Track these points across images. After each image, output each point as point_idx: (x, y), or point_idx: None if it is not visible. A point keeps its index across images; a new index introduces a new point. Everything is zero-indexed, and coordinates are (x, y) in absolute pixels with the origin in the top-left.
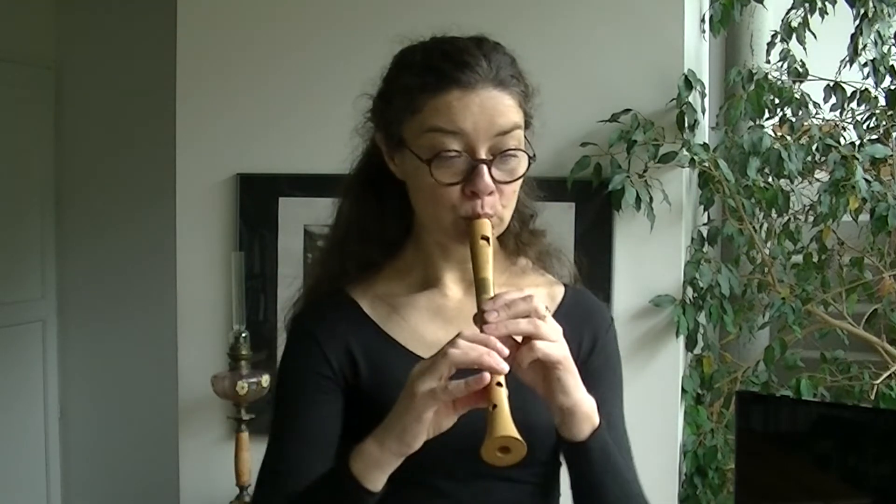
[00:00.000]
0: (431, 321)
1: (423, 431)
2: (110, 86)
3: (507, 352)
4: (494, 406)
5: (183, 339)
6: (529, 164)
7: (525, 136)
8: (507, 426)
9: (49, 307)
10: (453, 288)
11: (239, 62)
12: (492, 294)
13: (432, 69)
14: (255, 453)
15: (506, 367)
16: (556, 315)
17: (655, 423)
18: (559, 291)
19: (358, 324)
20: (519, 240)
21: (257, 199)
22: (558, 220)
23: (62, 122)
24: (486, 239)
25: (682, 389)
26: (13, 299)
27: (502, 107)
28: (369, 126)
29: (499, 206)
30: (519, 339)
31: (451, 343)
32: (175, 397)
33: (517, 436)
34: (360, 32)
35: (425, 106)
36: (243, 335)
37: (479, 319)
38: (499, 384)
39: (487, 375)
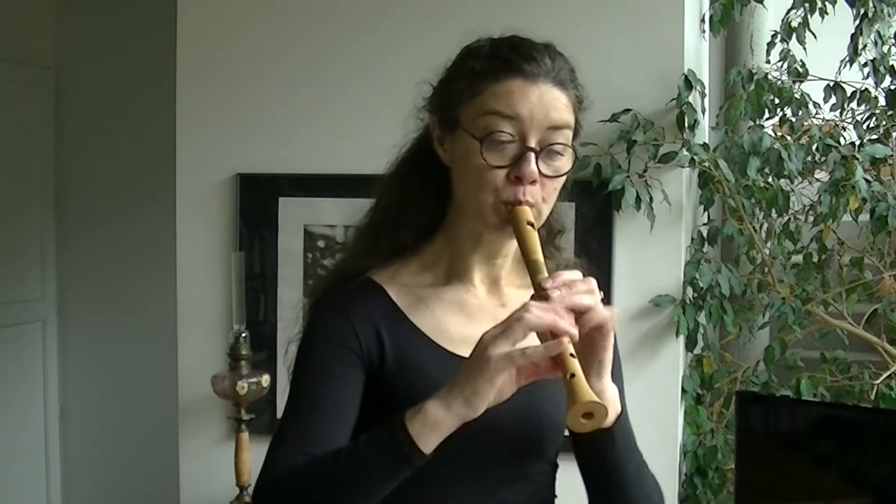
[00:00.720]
0: (455, 315)
1: (492, 395)
2: (110, 86)
3: (575, 331)
4: (573, 375)
5: (183, 339)
6: (573, 164)
7: (571, 145)
8: (588, 392)
9: (49, 307)
10: (479, 285)
11: (239, 62)
12: (545, 274)
13: (500, 57)
14: (255, 453)
15: (577, 332)
16: None
17: (655, 423)
18: None
19: (386, 308)
20: (544, 249)
21: (257, 199)
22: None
23: (62, 122)
24: (532, 224)
25: (682, 389)
26: (13, 299)
27: (558, 103)
28: (423, 114)
29: (539, 198)
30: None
31: (524, 309)
32: (175, 397)
33: (599, 400)
34: (361, 32)
35: (486, 89)
36: (243, 335)
37: (540, 297)
38: (571, 355)
39: (566, 340)
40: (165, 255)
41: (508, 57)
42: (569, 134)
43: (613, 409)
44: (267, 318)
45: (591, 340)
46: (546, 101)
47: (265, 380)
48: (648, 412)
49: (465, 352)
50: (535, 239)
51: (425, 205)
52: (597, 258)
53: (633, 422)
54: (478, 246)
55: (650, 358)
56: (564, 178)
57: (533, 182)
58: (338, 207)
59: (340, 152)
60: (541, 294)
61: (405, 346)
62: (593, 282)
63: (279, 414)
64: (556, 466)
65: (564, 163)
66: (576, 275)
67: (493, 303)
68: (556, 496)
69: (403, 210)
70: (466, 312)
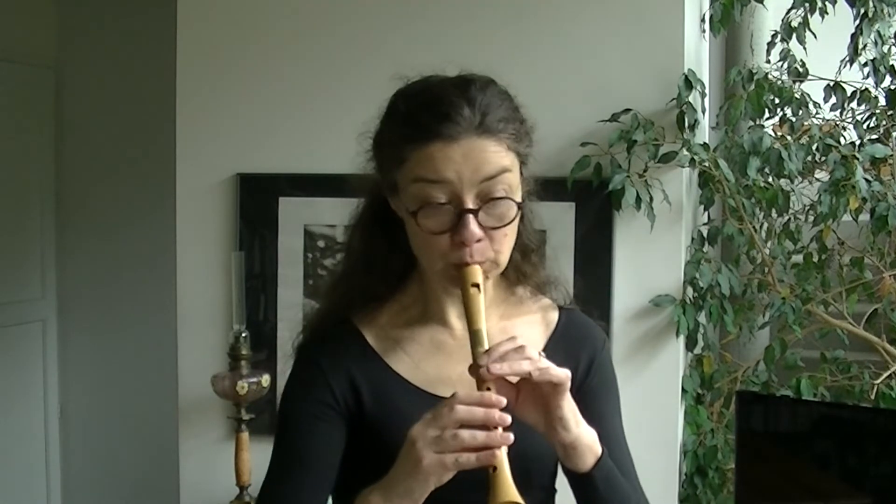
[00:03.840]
0: (433, 356)
1: (429, 490)
2: (110, 86)
3: (508, 419)
4: (495, 469)
5: (183, 339)
6: (519, 208)
7: (521, 172)
8: (508, 490)
9: (49, 307)
10: (455, 324)
11: (239, 62)
12: (486, 346)
13: (414, 121)
14: (255, 453)
15: (508, 421)
16: (551, 340)
17: (655, 423)
18: (553, 317)
19: (362, 355)
20: (519, 271)
21: (257, 199)
22: (558, 220)
23: (62, 122)
24: (477, 286)
25: (682, 389)
26: (13, 299)
27: (487, 154)
28: (370, 166)
29: (490, 251)
30: (514, 381)
31: (455, 399)
32: (175, 397)
33: (519, 499)
34: (361, 32)
35: (410, 157)
36: (243, 335)
37: (475, 372)
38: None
39: (497, 452)
40: (165, 255)
41: (422, 120)
42: (509, 178)
43: (592, 454)
44: (267, 318)
45: (545, 399)
46: (473, 157)
47: (265, 380)
48: (648, 412)
49: (444, 392)
50: (478, 305)
51: (394, 252)
52: (597, 258)
53: (633, 422)
54: (448, 290)
55: (650, 358)
56: (515, 222)
57: (479, 240)
58: (338, 207)
59: (341, 152)
60: (477, 371)
61: (382, 390)
62: (529, 350)
63: None
64: (552, 493)
65: (510, 208)
66: (512, 344)
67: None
68: None
69: (373, 261)
70: (445, 352)
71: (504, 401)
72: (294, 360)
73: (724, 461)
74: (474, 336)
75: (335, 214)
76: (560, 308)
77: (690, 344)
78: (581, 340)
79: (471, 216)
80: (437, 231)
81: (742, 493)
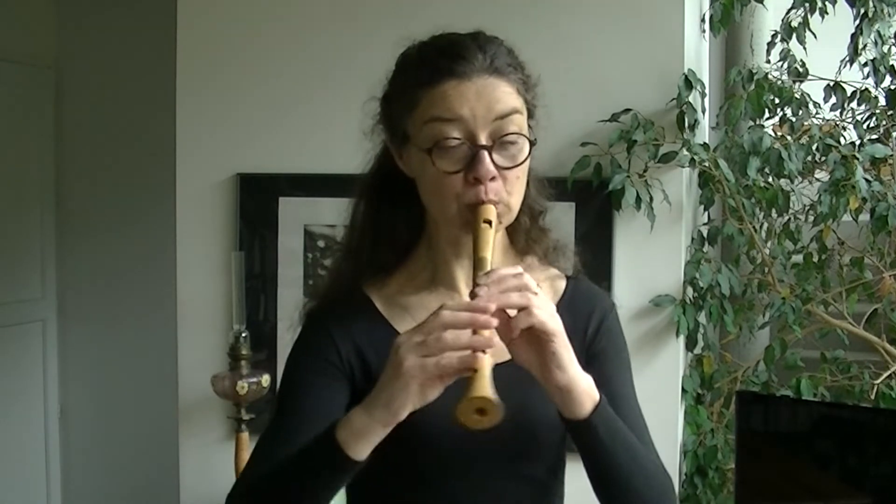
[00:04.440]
0: None
1: (410, 402)
2: (110, 86)
3: (495, 322)
4: (475, 370)
5: (183, 339)
6: (531, 149)
7: (529, 125)
8: (483, 387)
9: (49, 307)
10: (463, 289)
11: (239, 62)
12: (487, 270)
13: (428, 64)
14: None
15: (494, 322)
16: (559, 307)
17: (655, 423)
18: (561, 285)
19: (371, 321)
20: (529, 236)
21: (257, 199)
22: (558, 220)
23: (62, 122)
24: (489, 222)
25: (682, 389)
26: (13, 299)
27: (499, 93)
28: (379, 130)
29: (503, 192)
30: (512, 314)
31: (442, 306)
32: (175, 397)
33: (493, 396)
34: (361, 32)
35: (423, 98)
36: (243, 335)
37: (472, 295)
38: (482, 351)
39: (480, 354)
40: (165, 255)
41: (436, 61)
42: (519, 119)
43: (590, 399)
44: (267, 318)
45: (534, 336)
46: (486, 95)
47: (265, 380)
48: (648, 412)
49: None
50: (486, 237)
51: (399, 221)
52: (597, 258)
53: None
54: (458, 251)
55: (650, 358)
56: (527, 164)
57: (493, 179)
58: (338, 207)
59: (341, 152)
60: (473, 292)
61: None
62: (526, 277)
63: None
64: (561, 465)
65: (521, 150)
66: (512, 270)
67: None
68: (561, 496)
69: (379, 232)
70: None
71: (492, 307)
72: (302, 324)
73: (724, 461)
74: (478, 263)
75: (335, 214)
76: (567, 277)
77: (690, 344)
78: (588, 305)
79: (485, 152)
80: (452, 170)
81: (742, 493)
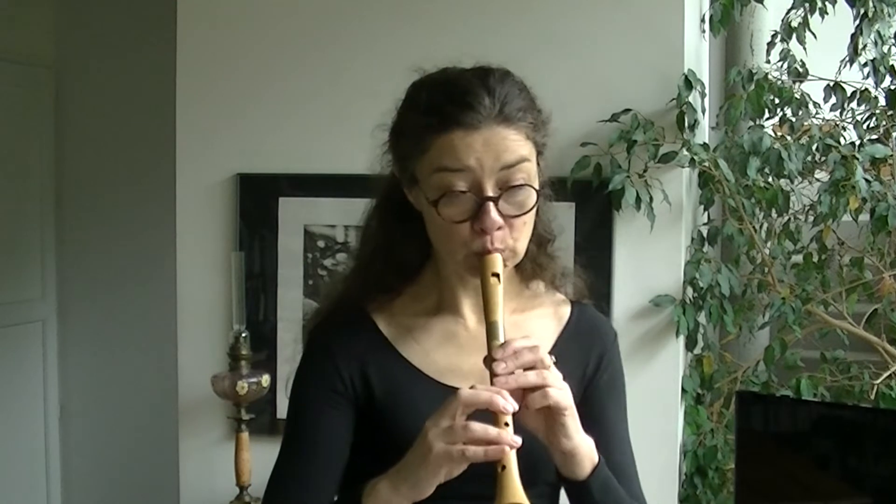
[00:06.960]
0: (445, 346)
1: (436, 482)
2: (110, 86)
3: (516, 406)
4: (503, 467)
5: (183, 339)
6: (538, 196)
7: (538, 163)
8: (515, 491)
9: (49, 307)
10: (468, 315)
11: (239, 62)
12: (501, 339)
13: (436, 110)
14: (255, 453)
15: (515, 408)
16: (562, 335)
17: (655, 423)
18: (565, 312)
19: (374, 343)
20: (535, 263)
21: (257, 199)
22: (558, 221)
23: (62, 122)
24: (497, 276)
25: (682, 389)
26: (13, 299)
27: (507, 142)
28: (387, 160)
29: (509, 239)
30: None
31: (460, 391)
32: (175, 397)
33: (525, 501)
34: (362, 32)
35: (432, 146)
36: (243, 335)
37: (489, 365)
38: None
39: (506, 448)
40: (165, 256)
41: (444, 109)
42: (528, 167)
43: (590, 461)
44: (267, 318)
45: (547, 410)
46: (493, 145)
47: (265, 380)
48: (648, 412)
49: (455, 382)
50: (496, 296)
51: (409, 245)
52: (597, 258)
53: (633, 422)
54: (464, 280)
55: (650, 358)
56: (534, 210)
57: (499, 228)
58: (338, 207)
59: (341, 152)
60: (490, 363)
61: (393, 379)
62: (542, 352)
63: (279, 414)
64: (557, 488)
65: (528, 196)
66: (526, 342)
67: (484, 334)
68: None
69: (389, 253)
70: (457, 344)
71: (514, 405)
72: (305, 344)
73: (724, 461)
74: (490, 328)
75: (335, 214)
76: (572, 303)
77: (690, 344)
78: (592, 336)
79: (491, 204)
80: (458, 220)
81: (742, 493)
